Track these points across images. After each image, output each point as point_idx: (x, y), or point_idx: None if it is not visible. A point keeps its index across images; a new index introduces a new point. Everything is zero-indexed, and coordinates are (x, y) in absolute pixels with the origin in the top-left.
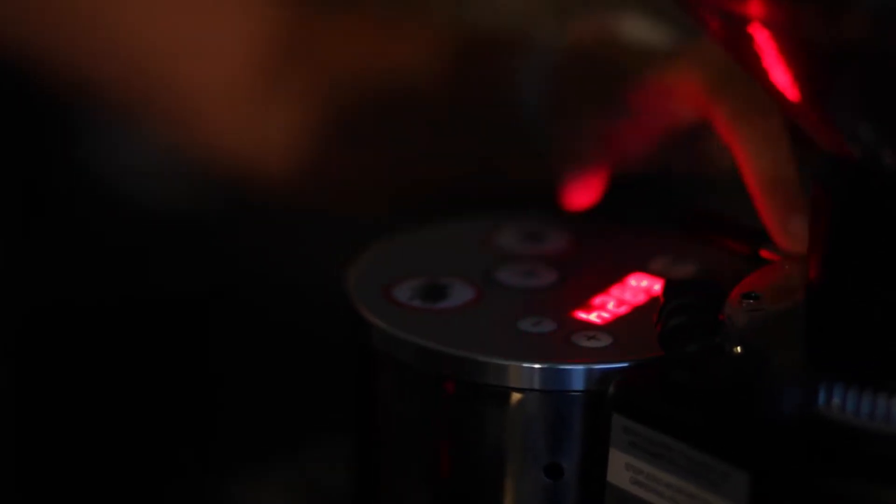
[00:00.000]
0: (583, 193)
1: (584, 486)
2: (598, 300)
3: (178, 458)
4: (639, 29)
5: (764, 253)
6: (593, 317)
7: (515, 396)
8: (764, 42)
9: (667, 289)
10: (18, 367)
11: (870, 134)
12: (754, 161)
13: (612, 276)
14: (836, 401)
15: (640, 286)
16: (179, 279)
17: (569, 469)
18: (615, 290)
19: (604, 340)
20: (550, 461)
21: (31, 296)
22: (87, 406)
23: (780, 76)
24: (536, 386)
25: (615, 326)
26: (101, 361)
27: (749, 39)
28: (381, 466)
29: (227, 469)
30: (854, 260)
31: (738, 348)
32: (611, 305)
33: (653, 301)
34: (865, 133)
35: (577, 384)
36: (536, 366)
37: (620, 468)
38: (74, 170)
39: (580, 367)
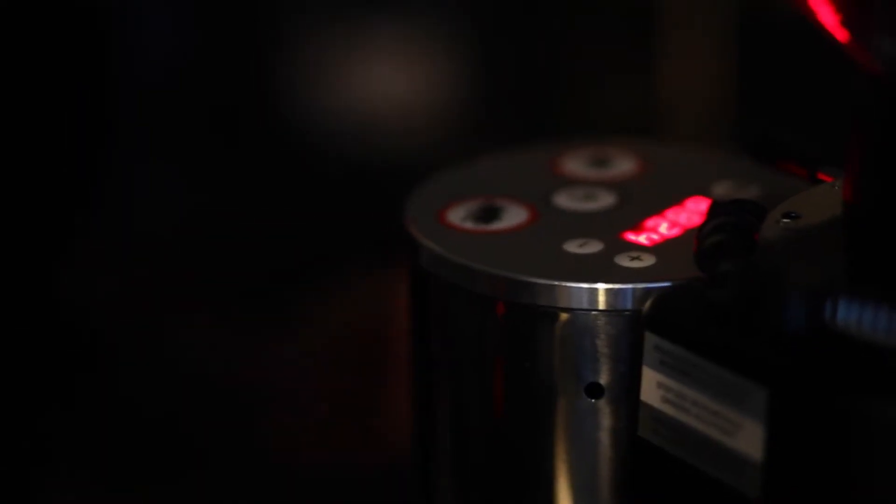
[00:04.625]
0: None
1: (623, 405)
2: (650, 222)
3: None
4: None
5: (821, 175)
6: (642, 238)
7: (546, 315)
8: None
9: (710, 209)
10: None
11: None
12: None
13: (671, 199)
14: (852, 317)
15: (698, 209)
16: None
17: (608, 388)
18: (670, 213)
19: (647, 261)
20: (590, 381)
21: None
22: None
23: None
24: (564, 304)
25: (663, 248)
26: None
27: None
28: (432, 387)
29: None
30: (878, 178)
31: (767, 265)
32: (663, 228)
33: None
34: (889, 48)
35: (610, 304)
36: (566, 284)
37: (652, 386)
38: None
39: (611, 286)
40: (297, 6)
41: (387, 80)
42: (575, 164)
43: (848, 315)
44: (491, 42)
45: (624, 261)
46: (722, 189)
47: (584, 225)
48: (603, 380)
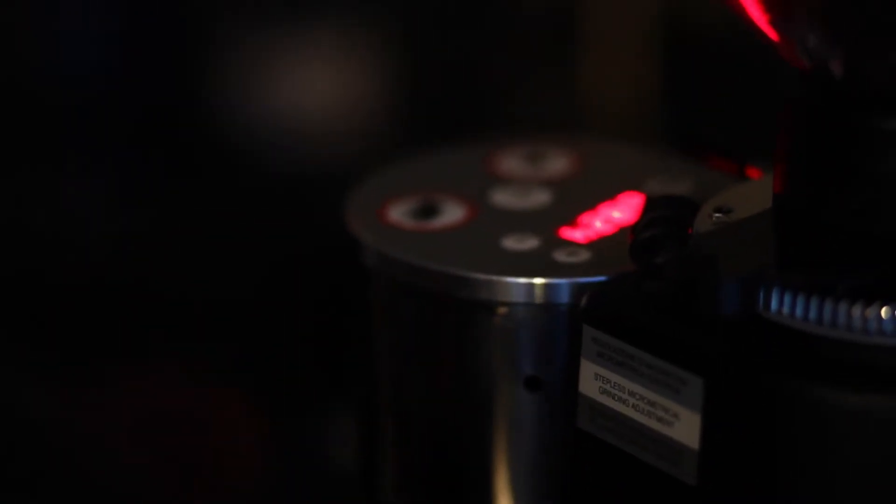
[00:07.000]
0: None
1: (562, 398)
2: (584, 219)
3: None
4: None
5: (749, 170)
6: (577, 234)
7: (485, 309)
8: None
9: (644, 204)
10: None
11: (817, 45)
12: None
13: (605, 195)
14: (783, 306)
15: (631, 205)
16: None
17: (547, 381)
18: (604, 209)
19: (582, 256)
20: (528, 374)
21: None
22: None
23: None
24: (503, 299)
25: (598, 243)
26: None
27: None
28: (374, 382)
29: None
30: (806, 169)
31: (700, 257)
32: (597, 224)
33: None
34: (813, 44)
35: (548, 298)
36: (505, 279)
37: (590, 378)
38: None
39: (548, 280)
40: (227, 10)
41: (312, 86)
42: (511, 162)
43: (779, 304)
44: (416, 44)
45: (560, 256)
46: (655, 185)
47: (521, 221)
48: (541, 373)
